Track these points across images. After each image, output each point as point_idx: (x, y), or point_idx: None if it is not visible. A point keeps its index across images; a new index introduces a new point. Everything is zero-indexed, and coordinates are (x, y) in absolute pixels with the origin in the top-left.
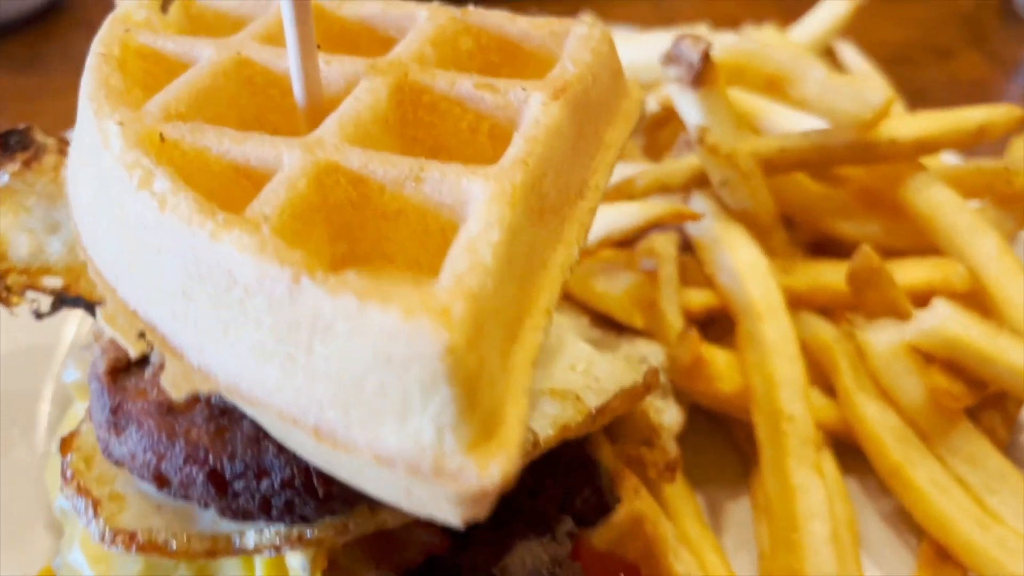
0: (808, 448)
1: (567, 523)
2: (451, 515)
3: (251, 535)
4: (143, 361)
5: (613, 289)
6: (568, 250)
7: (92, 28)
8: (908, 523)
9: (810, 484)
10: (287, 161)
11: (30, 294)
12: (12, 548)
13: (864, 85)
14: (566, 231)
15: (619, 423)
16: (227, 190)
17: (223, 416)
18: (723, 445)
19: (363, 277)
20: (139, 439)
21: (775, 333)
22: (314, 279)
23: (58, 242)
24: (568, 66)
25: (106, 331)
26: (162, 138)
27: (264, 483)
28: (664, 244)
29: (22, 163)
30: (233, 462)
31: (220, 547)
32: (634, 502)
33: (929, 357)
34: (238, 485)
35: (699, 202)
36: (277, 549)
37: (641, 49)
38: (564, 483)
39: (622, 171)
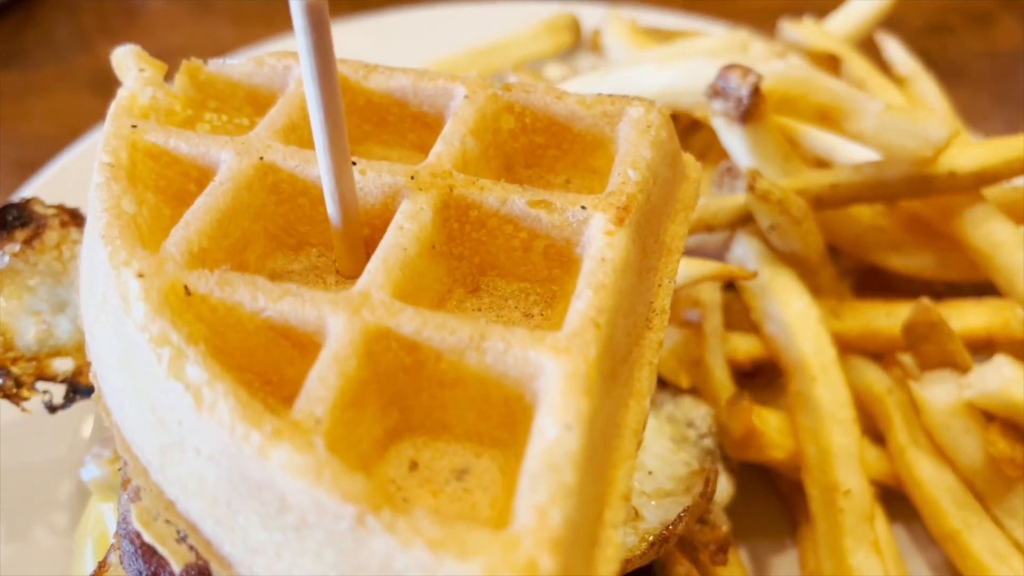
0: (865, 525)
1: None
2: None
3: None
4: None
5: None
6: (639, 405)
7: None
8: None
9: (868, 562)
10: (332, 328)
11: (41, 385)
12: None
13: (925, 119)
14: (635, 381)
15: None
16: (266, 351)
17: None
18: (767, 495)
19: (433, 515)
20: None
21: (830, 396)
22: (381, 521)
23: (66, 321)
24: (629, 174)
25: (144, 536)
26: (187, 291)
27: None
28: (709, 292)
29: (22, 242)
30: None
31: None
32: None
33: (988, 415)
34: None
35: (744, 242)
36: None
37: (683, 75)
38: None
39: None
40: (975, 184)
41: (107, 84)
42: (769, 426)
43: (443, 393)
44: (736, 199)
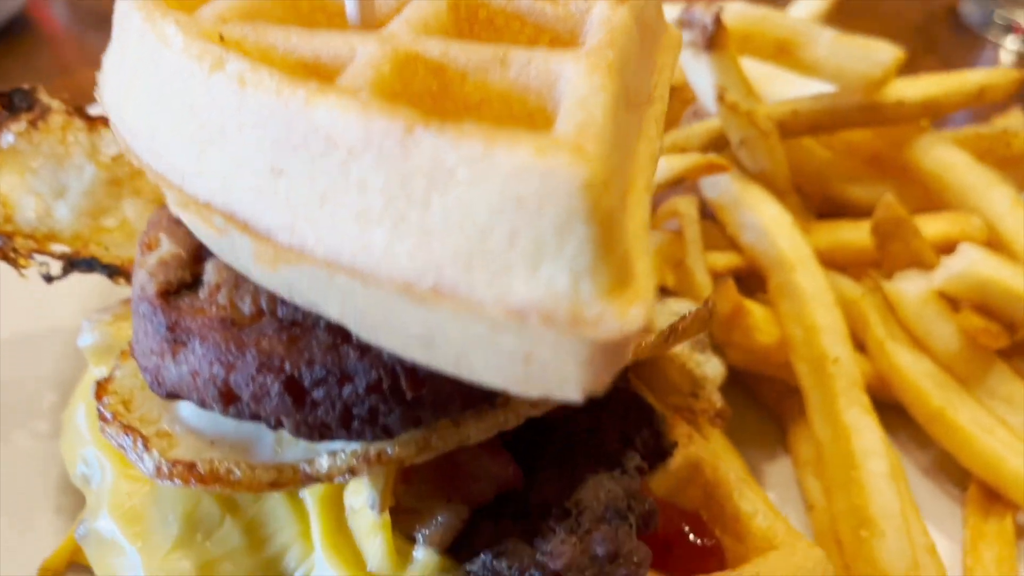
0: (856, 390)
1: (635, 458)
2: (574, 382)
3: (323, 459)
4: (194, 284)
5: None
6: (650, 145)
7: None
8: (948, 473)
9: (863, 423)
10: (362, 53)
11: (39, 257)
12: (21, 534)
13: (873, 45)
14: (645, 127)
15: (662, 377)
16: None
17: (294, 326)
18: (756, 410)
19: (480, 124)
20: (203, 353)
21: (810, 283)
22: (430, 128)
23: (65, 208)
24: None
25: (182, 216)
26: (222, 38)
27: (347, 389)
28: (686, 206)
29: (28, 123)
30: (312, 368)
31: (287, 477)
32: (689, 447)
33: (956, 304)
34: (318, 393)
35: (711, 184)
36: (352, 472)
37: None
38: (623, 424)
39: None
40: (922, 114)
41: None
42: (754, 315)
43: (469, 115)
44: (707, 123)
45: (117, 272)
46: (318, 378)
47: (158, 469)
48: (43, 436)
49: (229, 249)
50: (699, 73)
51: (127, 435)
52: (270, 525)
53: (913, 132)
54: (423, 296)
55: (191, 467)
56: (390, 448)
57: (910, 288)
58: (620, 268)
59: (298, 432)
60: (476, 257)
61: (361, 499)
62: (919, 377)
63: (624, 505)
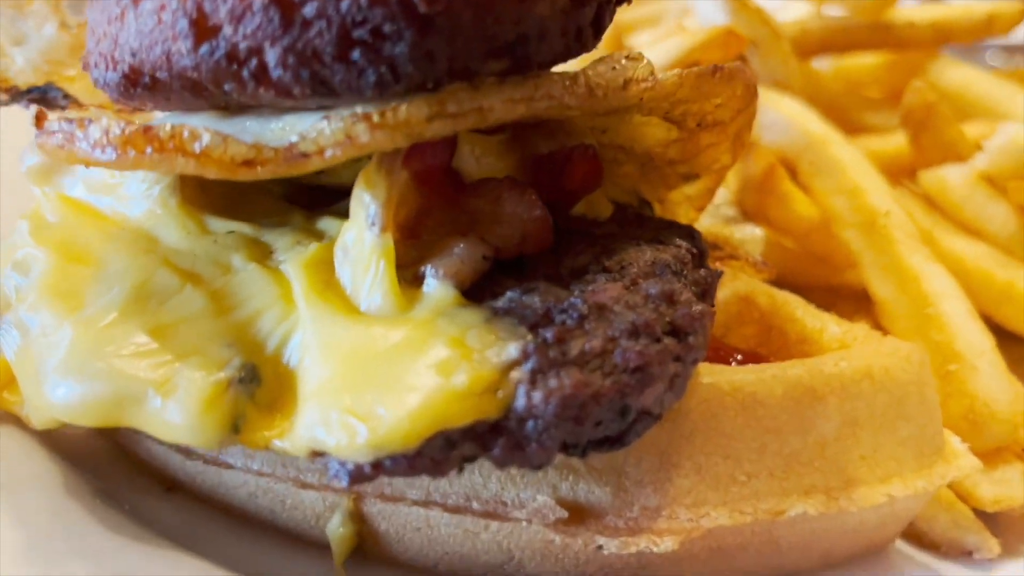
0: (914, 239)
1: (680, 245)
2: None
3: (317, 122)
4: None
5: None
6: None
7: None
8: None
9: (931, 269)
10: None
11: None
12: None
13: None
14: None
15: None
16: None
17: None
18: None
19: None
20: None
21: (846, 152)
22: None
23: (21, 57)
24: None
25: None
26: None
27: (345, 2)
28: None
29: None
30: None
31: (265, 156)
32: (736, 282)
33: (1001, 188)
34: (309, 9)
35: None
36: (349, 142)
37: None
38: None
39: None
40: (931, 38)
41: None
42: (789, 184)
43: None
44: (716, 27)
45: (73, 101)
46: None
47: (105, 135)
48: None
49: None
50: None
51: (68, 122)
52: (240, 293)
53: (926, 58)
54: None
55: (147, 130)
56: (394, 110)
57: (953, 175)
58: None
59: (284, 67)
60: None
61: (354, 230)
62: (978, 258)
63: (676, 267)
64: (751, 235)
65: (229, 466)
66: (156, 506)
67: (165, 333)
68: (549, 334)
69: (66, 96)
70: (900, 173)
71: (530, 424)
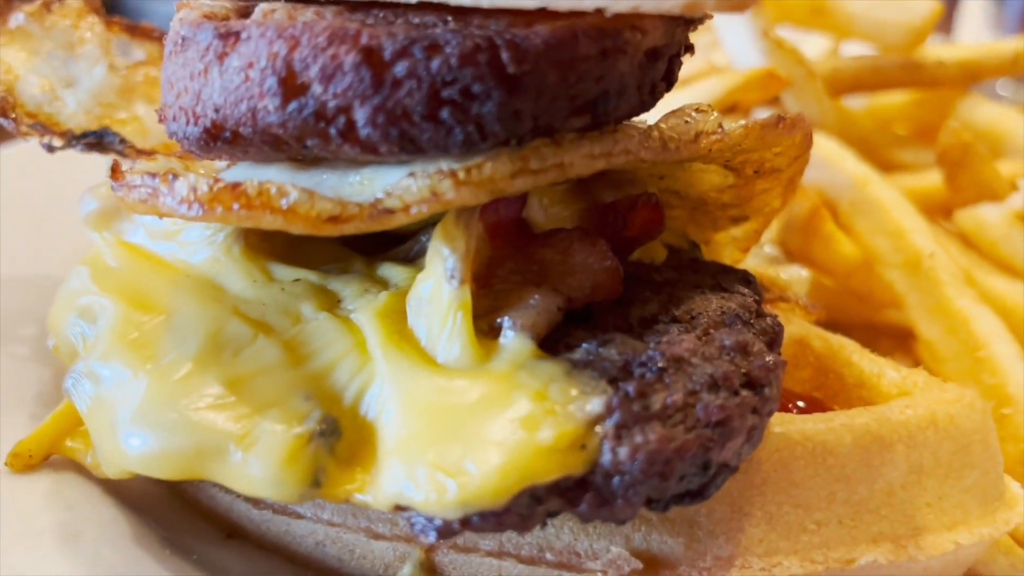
0: (961, 283)
1: (742, 289)
2: None
3: (396, 179)
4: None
5: None
6: None
7: None
8: None
9: (979, 311)
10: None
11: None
12: None
13: None
14: None
15: None
16: None
17: (367, 17)
18: None
19: None
20: (261, 34)
21: (887, 193)
22: None
23: (72, 100)
24: None
25: None
26: None
27: (436, 62)
28: None
29: (42, 4)
30: (394, 38)
31: (350, 212)
32: (789, 325)
33: None
34: (400, 68)
35: (764, 114)
36: (435, 199)
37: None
38: (718, 279)
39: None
40: (960, 76)
41: None
42: (832, 226)
43: None
44: (756, 69)
45: (129, 146)
46: (401, 46)
47: (193, 192)
48: (20, 358)
49: None
50: (735, 36)
51: (152, 177)
52: (313, 343)
53: (956, 96)
54: None
55: (235, 187)
56: (478, 168)
57: (990, 214)
58: None
59: (373, 125)
60: None
61: (431, 282)
62: (1018, 297)
63: (744, 316)
64: (797, 276)
65: (299, 516)
66: (220, 554)
67: (242, 385)
68: (631, 388)
69: (122, 141)
70: (935, 211)
71: (616, 480)
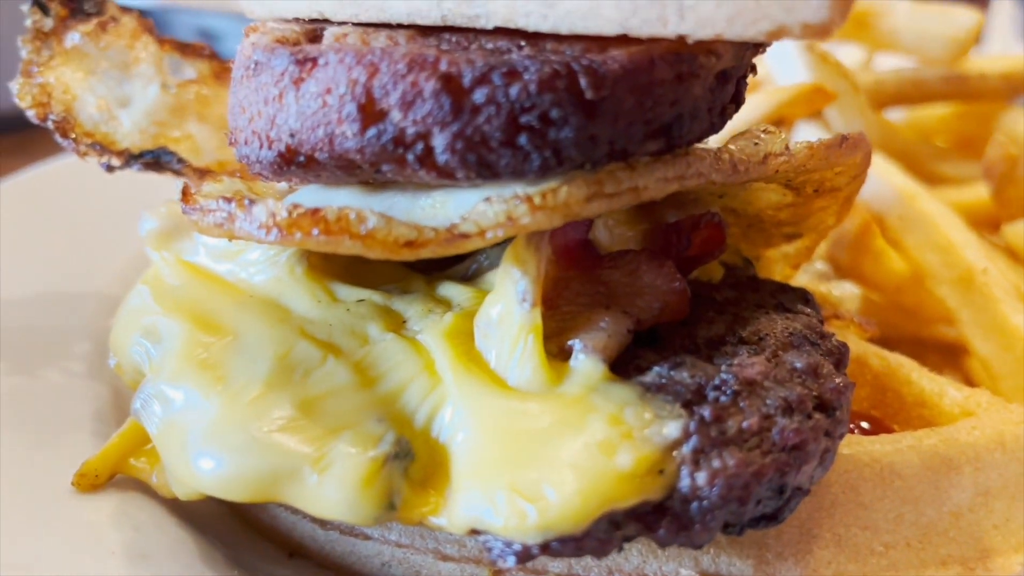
0: (1013, 297)
1: (804, 308)
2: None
3: (471, 204)
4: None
5: None
6: None
7: None
8: None
9: None
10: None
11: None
12: (56, 451)
13: (952, 10)
14: None
15: None
16: None
17: (444, 43)
18: None
19: None
20: (340, 60)
21: (935, 207)
22: None
23: (128, 120)
24: None
25: None
26: None
27: (515, 88)
28: None
29: (97, 24)
30: (473, 65)
31: (426, 237)
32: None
33: None
34: (479, 95)
35: (808, 128)
36: (511, 223)
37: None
38: (780, 299)
39: None
40: (1005, 88)
41: None
42: (882, 242)
43: None
44: (804, 84)
45: (187, 165)
46: (481, 73)
47: (272, 217)
48: (77, 375)
49: None
50: (777, 45)
51: (228, 201)
52: (382, 364)
53: (997, 108)
54: None
55: (315, 213)
56: (553, 193)
57: None
58: None
59: (451, 152)
60: None
61: (501, 304)
62: None
63: (811, 337)
64: (849, 293)
65: (367, 537)
66: (284, 574)
67: (313, 407)
68: (707, 412)
69: (180, 160)
70: (980, 225)
71: (695, 505)
